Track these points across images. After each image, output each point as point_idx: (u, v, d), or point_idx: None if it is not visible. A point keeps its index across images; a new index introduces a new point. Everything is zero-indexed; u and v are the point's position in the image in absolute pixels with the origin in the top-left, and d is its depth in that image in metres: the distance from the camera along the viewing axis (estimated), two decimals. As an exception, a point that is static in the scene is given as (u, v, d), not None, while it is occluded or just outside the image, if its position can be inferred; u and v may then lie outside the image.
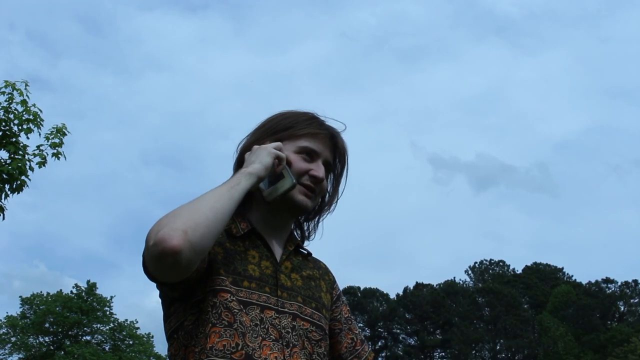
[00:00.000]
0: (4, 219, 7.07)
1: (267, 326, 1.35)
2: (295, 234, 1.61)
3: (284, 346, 1.34)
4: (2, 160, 7.05)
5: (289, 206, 1.49)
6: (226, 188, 1.31)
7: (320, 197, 1.58)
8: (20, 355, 32.02)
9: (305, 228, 1.65)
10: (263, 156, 1.41)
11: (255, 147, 1.46)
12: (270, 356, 1.31)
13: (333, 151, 1.57)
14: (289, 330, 1.38)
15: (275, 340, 1.34)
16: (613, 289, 50.06)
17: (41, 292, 33.43)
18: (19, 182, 6.93)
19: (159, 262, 1.16)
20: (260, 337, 1.32)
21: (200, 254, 1.19)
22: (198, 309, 1.34)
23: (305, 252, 1.60)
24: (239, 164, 1.50)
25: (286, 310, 1.40)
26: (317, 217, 1.63)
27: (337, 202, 1.63)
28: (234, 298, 1.33)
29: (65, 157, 7.31)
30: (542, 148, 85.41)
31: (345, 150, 1.60)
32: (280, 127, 1.52)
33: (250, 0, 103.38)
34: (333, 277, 1.67)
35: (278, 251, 1.50)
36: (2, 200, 7.01)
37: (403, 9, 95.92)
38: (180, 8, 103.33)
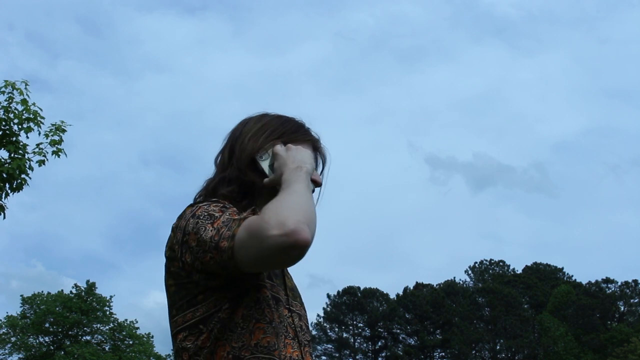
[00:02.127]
0: (4, 217, 7.10)
1: (285, 324, 1.36)
2: None
3: (299, 344, 1.36)
4: (2, 160, 7.07)
5: None
6: (304, 187, 1.32)
7: None
8: (20, 355, 32.05)
9: None
10: (312, 160, 1.44)
11: (298, 147, 1.46)
12: (293, 354, 1.33)
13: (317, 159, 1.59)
14: (299, 329, 1.39)
15: (292, 339, 1.35)
16: (613, 289, 50.02)
17: (42, 291, 33.50)
18: (19, 180, 6.95)
19: (284, 253, 1.15)
20: (283, 335, 1.33)
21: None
22: (235, 302, 1.31)
23: None
24: (250, 161, 1.47)
25: (295, 310, 1.42)
26: None
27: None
28: (270, 294, 1.34)
29: (65, 154, 7.33)
30: (540, 148, 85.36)
31: (325, 159, 1.60)
32: (287, 131, 1.53)
33: (248, 1, 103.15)
34: None
35: None
36: (3, 199, 7.04)
37: (401, 9, 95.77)
38: (178, 9, 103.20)
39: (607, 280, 50.27)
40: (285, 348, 1.31)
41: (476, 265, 58.74)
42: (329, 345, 51.46)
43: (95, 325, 33.36)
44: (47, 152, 7.23)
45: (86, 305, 32.80)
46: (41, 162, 7.19)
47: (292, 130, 1.53)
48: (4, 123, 7.15)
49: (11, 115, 7.18)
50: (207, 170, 1.55)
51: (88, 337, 33.46)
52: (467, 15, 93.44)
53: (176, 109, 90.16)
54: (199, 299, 1.32)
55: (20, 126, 7.16)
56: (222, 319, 1.30)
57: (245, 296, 1.31)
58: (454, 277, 57.52)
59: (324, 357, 51.00)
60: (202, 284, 1.32)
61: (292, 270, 1.56)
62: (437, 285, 55.32)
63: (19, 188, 7.01)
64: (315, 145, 1.55)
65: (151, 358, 32.99)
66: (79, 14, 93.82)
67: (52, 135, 7.26)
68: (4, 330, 32.28)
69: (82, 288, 33.36)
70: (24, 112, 7.17)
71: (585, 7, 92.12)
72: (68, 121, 7.46)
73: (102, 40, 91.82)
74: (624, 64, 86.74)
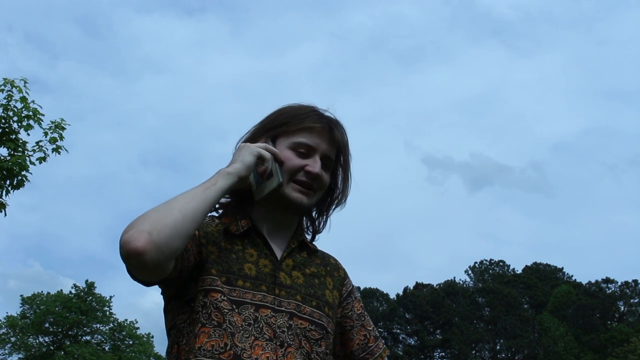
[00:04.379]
0: (5, 215, 7.10)
1: (261, 325, 1.34)
2: (308, 229, 1.60)
3: (278, 346, 1.33)
4: (2, 157, 7.08)
5: (284, 204, 1.47)
6: (201, 189, 1.30)
7: (326, 192, 1.55)
8: (20, 355, 32.05)
9: (316, 223, 1.62)
10: (245, 155, 1.40)
11: (241, 145, 1.45)
12: (262, 356, 1.30)
13: (332, 143, 1.52)
14: (285, 329, 1.36)
15: (269, 340, 1.33)
16: (613, 289, 49.98)
17: (41, 292, 33.50)
18: (19, 177, 6.96)
19: (127, 263, 1.17)
20: (253, 337, 1.32)
21: (168, 255, 1.18)
22: (190, 308, 1.34)
23: (312, 248, 1.57)
24: None
25: (283, 309, 1.39)
26: (326, 212, 1.60)
27: (346, 194, 1.60)
28: (225, 298, 1.33)
29: (67, 150, 7.33)
30: (539, 149, 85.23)
31: (342, 142, 1.54)
32: (276, 124, 1.50)
33: (247, 2, 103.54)
34: (344, 272, 1.64)
35: (281, 248, 1.48)
36: (3, 197, 7.04)
37: (400, 10, 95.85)
38: (177, 10, 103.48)
39: (607, 280, 50.24)
40: (252, 349, 1.30)
41: (476, 265, 58.72)
42: (329, 346, 51.42)
43: (95, 325, 33.37)
44: (47, 150, 7.24)
45: (86, 305, 32.80)
46: (41, 160, 7.19)
47: (282, 122, 1.50)
48: (3, 121, 7.16)
49: (10, 113, 7.19)
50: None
51: (88, 337, 33.46)
52: (465, 16, 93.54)
53: (175, 109, 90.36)
54: (168, 308, 1.42)
55: (19, 124, 7.17)
56: (179, 325, 1.37)
57: (194, 301, 1.34)
58: (454, 277, 57.52)
59: (324, 357, 50.95)
60: (166, 293, 1.41)
61: None
62: (437, 285, 55.29)
63: (19, 185, 7.01)
64: (318, 131, 1.49)
65: (151, 358, 32.98)
66: (78, 15, 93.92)
67: (52, 133, 7.27)
68: (3, 330, 32.28)
69: (82, 288, 33.36)
70: (23, 109, 7.18)
71: (584, 8, 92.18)
72: (68, 121, 7.46)
73: (101, 41, 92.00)
74: (622, 64, 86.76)
